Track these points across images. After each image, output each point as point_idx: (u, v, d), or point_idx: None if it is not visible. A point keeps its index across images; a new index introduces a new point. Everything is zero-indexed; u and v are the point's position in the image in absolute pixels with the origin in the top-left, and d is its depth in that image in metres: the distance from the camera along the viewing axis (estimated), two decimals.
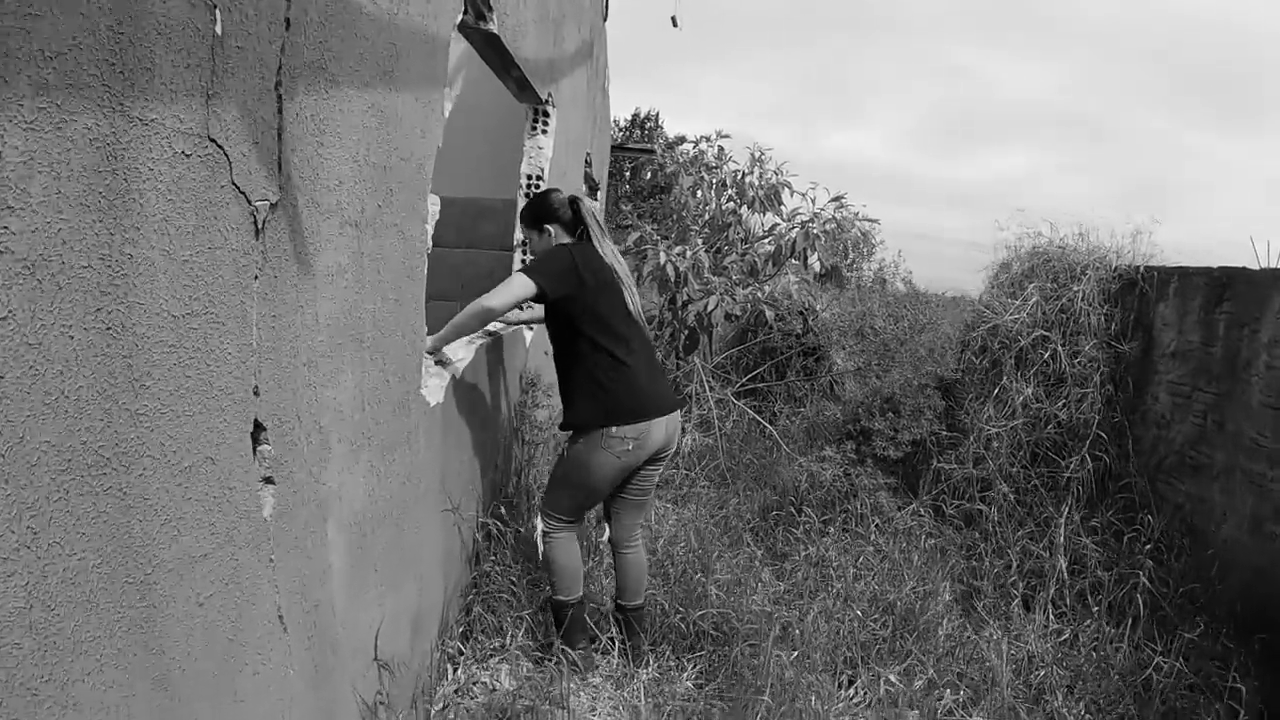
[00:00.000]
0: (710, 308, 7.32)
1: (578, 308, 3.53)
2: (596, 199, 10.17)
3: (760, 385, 7.03)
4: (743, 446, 6.57)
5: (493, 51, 3.81)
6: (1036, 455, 5.57)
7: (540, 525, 3.79)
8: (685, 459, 6.40)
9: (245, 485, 1.89)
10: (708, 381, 6.90)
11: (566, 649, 3.64)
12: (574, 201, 3.78)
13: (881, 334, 6.11)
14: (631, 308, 3.70)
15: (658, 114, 50.19)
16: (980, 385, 5.88)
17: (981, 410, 5.66)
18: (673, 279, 7.56)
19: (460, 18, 3.00)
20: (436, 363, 3.45)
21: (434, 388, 3.28)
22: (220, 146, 1.66)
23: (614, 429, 3.54)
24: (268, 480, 2.00)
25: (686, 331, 8.09)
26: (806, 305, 7.64)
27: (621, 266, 3.73)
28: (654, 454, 3.72)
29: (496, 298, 3.42)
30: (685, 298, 7.78)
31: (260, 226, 1.83)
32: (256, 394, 1.90)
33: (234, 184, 1.71)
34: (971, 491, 5.49)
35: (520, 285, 3.44)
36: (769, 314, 7.36)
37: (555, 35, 5.01)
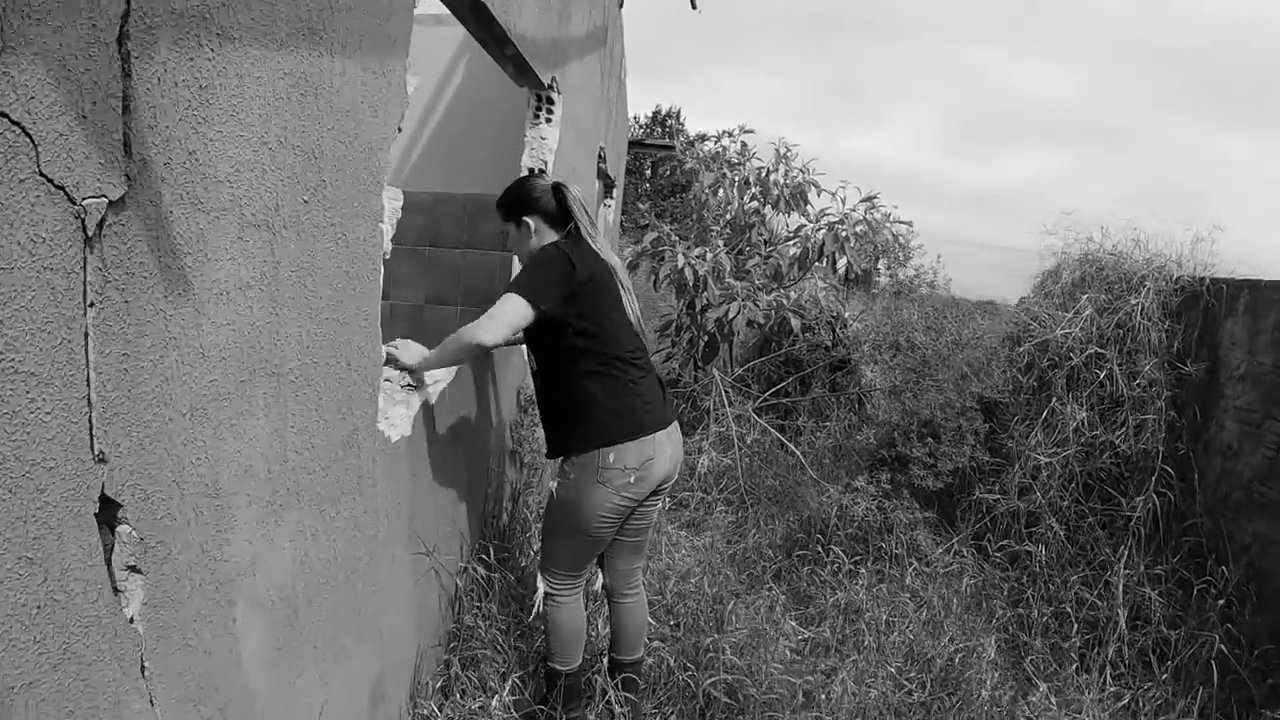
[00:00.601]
0: (732, 315, 6.78)
1: (573, 316, 2.97)
2: (612, 195, 9.65)
3: (784, 401, 6.46)
4: (764, 465, 5.99)
5: (480, 23, 3.28)
6: (1089, 488, 4.98)
7: (542, 586, 3.24)
8: (702, 480, 5.85)
9: (90, 584, 1.38)
10: (727, 395, 6.33)
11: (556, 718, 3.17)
12: (558, 188, 3.19)
13: (921, 349, 5.52)
14: (632, 315, 3.17)
15: (679, 111, 49.97)
16: (1026, 406, 5.29)
17: (1028, 435, 5.08)
18: (691, 283, 7.03)
19: None
20: (407, 385, 2.93)
21: (398, 418, 2.76)
22: (16, 123, 1.14)
23: (611, 456, 2.98)
24: (133, 569, 1.49)
25: (705, 338, 7.57)
26: (835, 313, 7.08)
27: (620, 266, 3.20)
28: (657, 486, 3.16)
29: (489, 330, 2.85)
30: (704, 303, 7.26)
31: (93, 233, 1.30)
32: (102, 461, 1.38)
33: (42, 174, 1.19)
34: (1017, 527, 4.92)
35: (515, 311, 2.87)
36: (795, 323, 6.82)
37: (561, 13, 4.46)
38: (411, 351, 2.99)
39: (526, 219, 3.18)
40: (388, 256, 2.47)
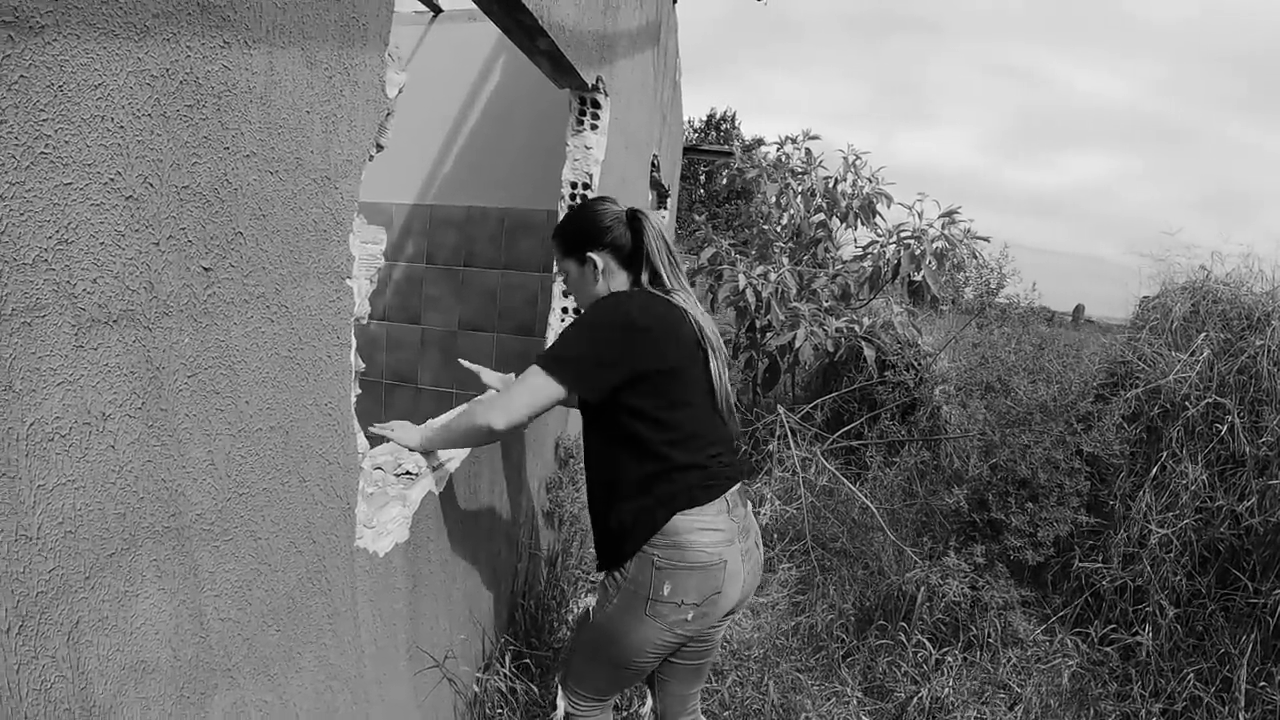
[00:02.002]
0: (797, 342, 6.07)
1: (638, 397, 2.19)
2: (666, 205, 8.96)
3: (857, 444, 5.72)
4: (832, 515, 5.24)
5: (504, 9, 2.59)
6: (1206, 561, 4.17)
7: (563, 705, 2.51)
8: (763, 533, 5.14)
9: None
10: (793, 435, 5.61)
11: None
12: (635, 218, 2.40)
13: (1024, 402, 4.73)
14: (719, 392, 2.34)
15: (734, 114, 49.18)
16: (1132, 460, 4.48)
17: (1135, 495, 4.29)
18: (754, 305, 6.34)
19: None
20: (404, 475, 2.27)
21: (390, 523, 2.09)
22: None
23: (666, 588, 2.18)
24: None
25: (766, 362, 6.87)
26: (911, 341, 6.33)
27: (710, 327, 2.35)
28: (726, 614, 2.36)
29: (505, 413, 2.15)
30: (766, 323, 6.57)
31: None
32: None
33: None
34: (1121, 605, 4.13)
35: (541, 390, 2.15)
36: (869, 354, 6.07)
37: (606, 4, 3.77)
38: (408, 434, 2.35)
39: (592, 255, 2.38)
40: (364, 321, 1.80)
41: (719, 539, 2.22)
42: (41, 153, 0.97)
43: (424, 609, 2.38)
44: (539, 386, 2.13)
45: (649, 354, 2.16)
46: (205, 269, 1.26)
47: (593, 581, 4.10)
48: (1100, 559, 4.26)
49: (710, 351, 2.32)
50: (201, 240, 1.25)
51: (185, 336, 1.24)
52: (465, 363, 3.03)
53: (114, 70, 1.05)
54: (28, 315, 0.98)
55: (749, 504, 2.47)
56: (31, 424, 1.01)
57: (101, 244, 1.07)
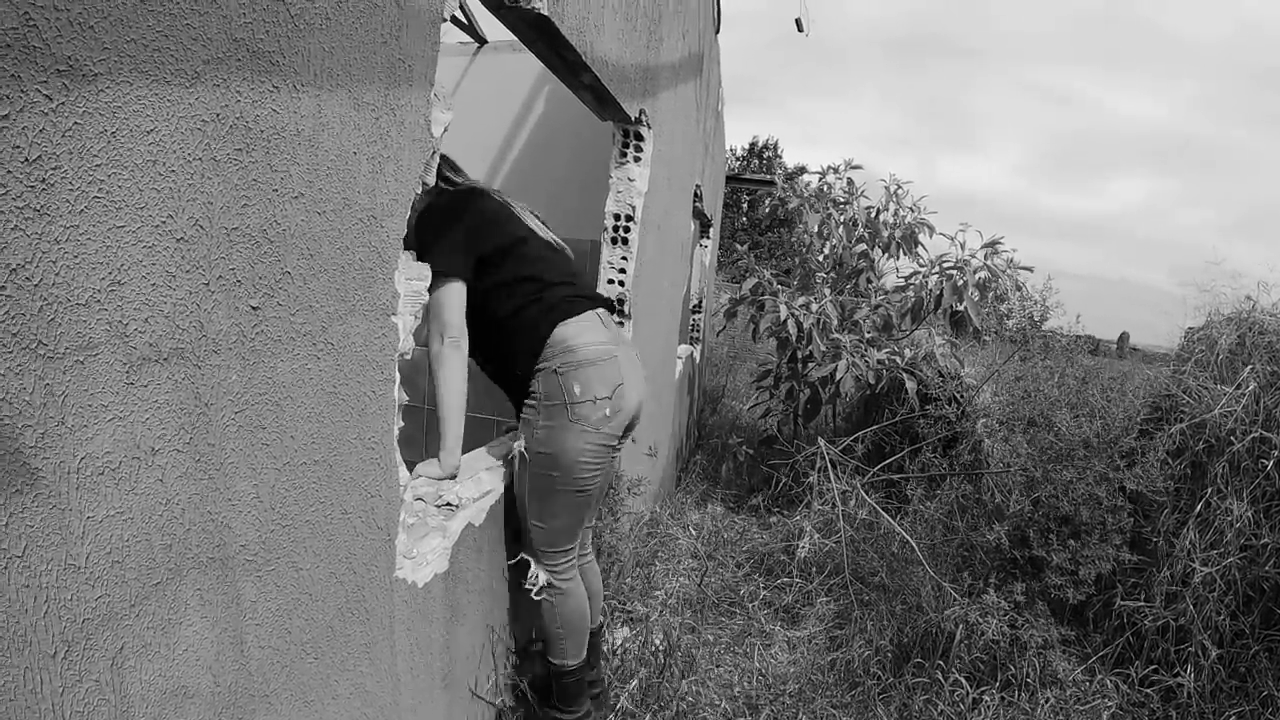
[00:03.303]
0: (839, 374, 6.04)
1: (493, 265, 2.57)
2: (709, 235, 8.98)
3: (898, 478, 5.66)
4: (870, 549, 5.18)
5: (548, 46, 2.62)
6: (1251, 601, 4.08)
7: (543, 576, 2.69)
8: (802, 567, 5.10)
9: None
10: (834, 467, 5.57)
11: None
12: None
13: (1067, 438, 4.66)
14: (543, 237, 2.81)
15: (776, 142, 49.31)
16: (1176, 496, 4.39)
17: (1178, 532, 4.21)
18: (795, 336, 6.32)
19: None
20: (444, 506, 2.29)
21: (431, 554, 2.11)
22: None
23: (576, 388, 2.53)
24: None
25: (807, 393, 6.84)
26: (953, 373, 6.27)
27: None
28: (630, 420, 2.73)
29: (439, 334, 2.43)
30: (807, 353, 6.55)
31: None
32: None
33: None
34: (1164, 646, 4.05)
35: (448, 292, 2.43)
36: (911, 387, 6.03)
37: (650, 35, 3.80)
38: (432, 468, 2.48)
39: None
40: (407, 356, 1.82)
41: (603, 338, 2.63)
42: (95, 197, 1.00)
43: (460, 639, 2.39)
44: (445, 292, 2.40)
45: (486, 234, 2.54)
46: (254, 308, 1.29)
47: (628, 611, 4.10)
48: (1142, 597, 4.19)
49: (515, 208, 2.76)
50: (250, 280, 1.28)
51: (233, 373, 1.27)
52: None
53: (166, 116, 1.08)
54: (81, 354, 1.01)
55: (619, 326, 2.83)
56: (83, 458, 1.04)
57: (153, 285, 1.10)
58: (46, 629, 1.01)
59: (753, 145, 50.10)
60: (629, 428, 2.73)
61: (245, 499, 1.34)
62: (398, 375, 1.80)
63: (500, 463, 2.72)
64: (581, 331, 2.59)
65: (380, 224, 1.62)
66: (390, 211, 1.65)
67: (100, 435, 1.06)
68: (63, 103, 0.95)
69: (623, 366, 2.64)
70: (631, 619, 4.04)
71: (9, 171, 0.90)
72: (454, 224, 2.47)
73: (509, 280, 2.56)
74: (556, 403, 2.53)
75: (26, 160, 0.91)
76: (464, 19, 5.28)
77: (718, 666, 3.99)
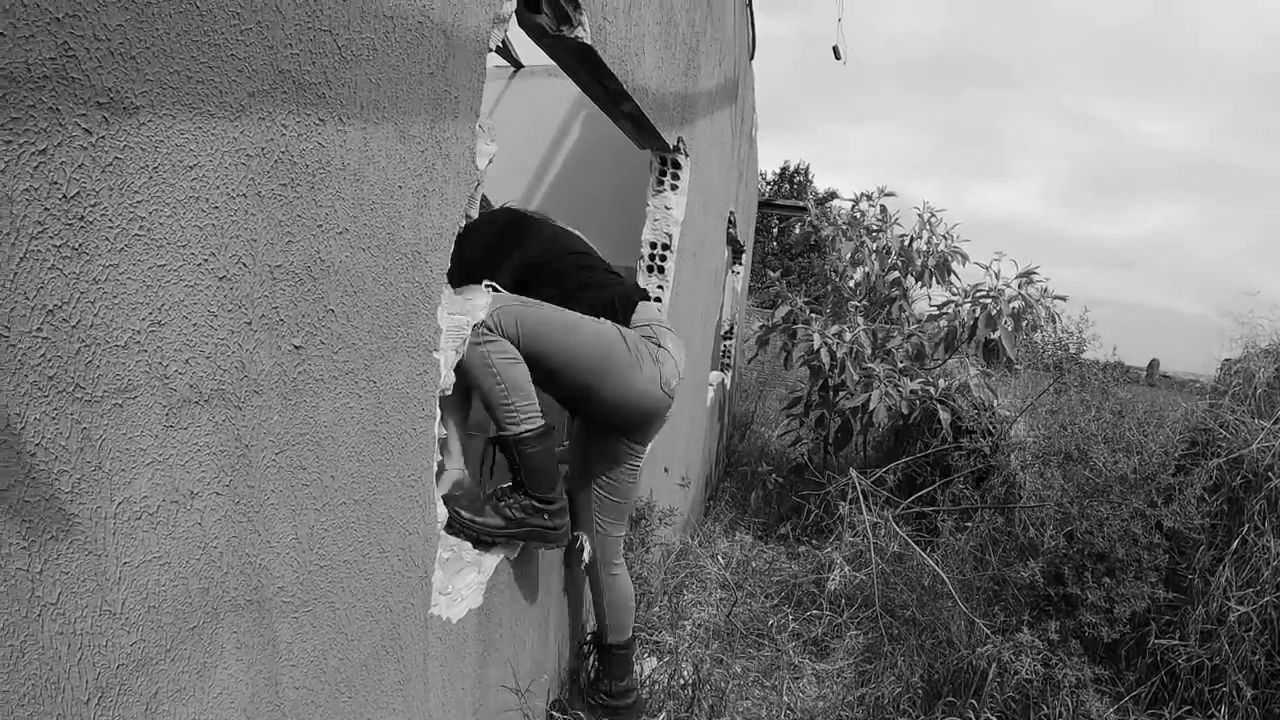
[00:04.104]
0: (872, 405, 5.98)
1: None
2: (741, 261, 8.94)
3: (930, 510, 5.57)
4: (900, 581, 5.09)
5: (590, 75, 2.60)
6: None
7: (588, 548, 2.95)
8: (831, 598, 5.02)
9: None
10: (866, 499, 5.49)
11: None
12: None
13: (1103, 474, 4.56)
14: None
15: (808, 167, 49.31)
16: (1212, 533, 4.29)
17: (1214, 569, 4.11)
18: (828, 365, 6.26)
19: (508, 5, 1.78)
20: (482, 542, 2.25)
21: (465, 589, 2.07)
22: None
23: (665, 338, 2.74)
24: None
25: (838, 421, 6.77)
26: (986, 404, 6.18)
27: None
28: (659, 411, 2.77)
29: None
30: (839, 381, 6.49)
31: None
32: None
33: None
34: (1198, 685, 3.95)
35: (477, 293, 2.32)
36: (944, 417, 5.95)
37: (688, 63, 3.78)
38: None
39: None
40: (447, 392, 1.79)
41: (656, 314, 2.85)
42: (135, 235, 0.97)
43: (491, 674, 2.35)
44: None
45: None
46: (296, 347, 1.26)
47: (656, 642, 4.04)
48: (1177, 636, 4.10)
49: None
50: (293, 318, 1.25)
51: (274, 414, 1.24)
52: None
53: (209, 150, 1.05)
54: (119, 397, 0.98)
55: None
56: (120, 503, 1.00)
57: (194, 325, 1.07)
58: (80, 675, 0.98)
59: (784, 170, 50.15)
60: (651, 419, 2.80)
61: (284, 541, 1.30)
62: (438, 411, 1.77)
63: None
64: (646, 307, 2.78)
65: (424, 259, 1.59)
66: (434, 246, 1.62)
67: (138, 480, 1.02)
68: (103, 136, 0.91)
69: (660, 335, 2.75)
70: (659, 650, 3.98)
71: (46, 209, 0.86)
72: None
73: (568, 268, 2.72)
74: (650, 342, 2.68)
75: (65, 197, 0.88)
76: (500, 43, 5.28)
77: (745, 700, 3.92)
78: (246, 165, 1.12)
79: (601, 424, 2.83)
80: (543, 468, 2.43)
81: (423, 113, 1.49)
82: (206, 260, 1.08)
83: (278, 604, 1.31)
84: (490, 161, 1.79)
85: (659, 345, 2.68)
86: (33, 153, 0.84)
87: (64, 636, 0.95)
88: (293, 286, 1.23)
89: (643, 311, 2.74)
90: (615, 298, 2.71)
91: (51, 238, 0.87)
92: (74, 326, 0.91)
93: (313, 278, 1.27)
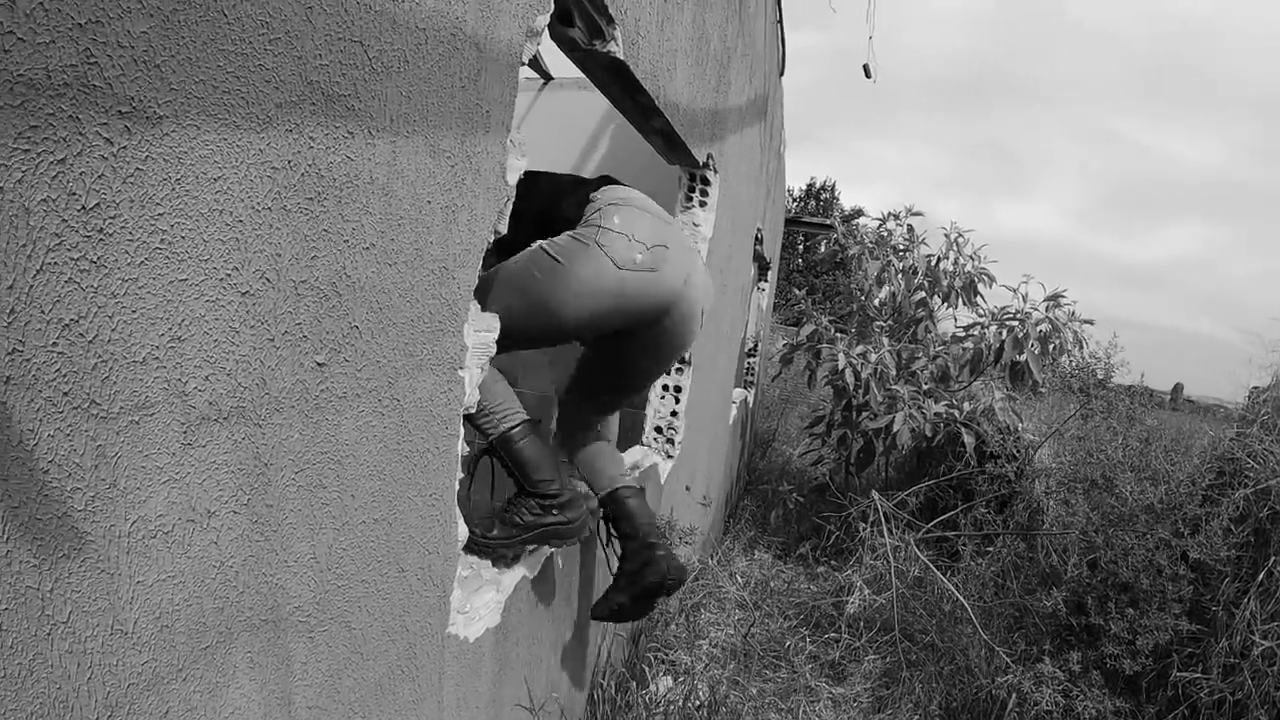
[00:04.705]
0: (895, 427, 5.92)
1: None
2: (767, 279, 8.91)
3: (952, 535, 5.50)
4: (920, 605, 5.02)
5: (622, 89, 2.58)
6: None
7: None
8: (849, 622, 4.96)
9: None
10: (887, 521, 5.43)
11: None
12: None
13: (1130, 503, 4.50)
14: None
15: (834, 184, 49.20)
16: (1237, 565, 4.21)
17: (1239, 602, 4.03)
18: (852, 385, 6.22)
19: (541, 19, 1.75)
20: (500, 559, 2.22)
21: (484, 608, 2.04)
22: None
23: (616, 218, 2.28)
24: None
25: (861, 442, 6.72)
26: (1012, 428, 6.11)
27: None
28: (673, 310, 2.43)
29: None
30: (863, 402, 6.44)
31: None
32: None
33: None
34: None
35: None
36: (968, 441, 5.89)
37: (719, 78, 3.75)
38: None
39: None
40: (471, 410, 1.76)
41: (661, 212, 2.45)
42: (156, 248, 0.95)
43: (506, 693, 2.32)
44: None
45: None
46: (319, 364, 1.24)
47: (672, 662, 4.00)
48: (1199, 669, 4.02)
49: None
50: (317, 335, 1.22)
51: (295, 432, 1.21)
52: None
53: (234, 163, 1.03)
54: (136, 414, 0.96)
55: None
56: (135, 521, 0.98)
57: (215, 341, 1.05)
58: (90, 694, 0.95)
59: (810, 186, 50.04)
60: (670, 330, 2.47)
61: (302, 560, 1.27)
62: (461, 430, 1.74)
63: None
64: (633, 195, 2.42)
65: (452, 275, 1.56)
66: (462, 262, 1.59)
67: (154, 498, 1.00)
68: (124, 146, 0.89)
69: (672, 238, 2.41)
70: (675, 669, 3.94)
71: (64, 220, 0.84)
72: None
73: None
74: (588, 226, 2.30)
75: (84, 208, 0.86)
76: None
77: None
78: (272, 178, 1.09)
79: (619, 349, 2.57)
80: (535, 459, 2.31)
81: (454, 127, 1.47)
82: (229, 275, 1.05)
83: (294, 623, 1.28)
84: (520, 178, 1.76)
85: (599, 226, 2.28)
86: (51, 162, 0.82)
87: (74, 655, 0.92)
88: (317, 302, 1.21)
89: (601, 195, 2.40)
90: (579, 201, 2.41)
91: (69, 250, 0.85)
92: (90, 341, 0.89)
93: (338, 294, 1.25)
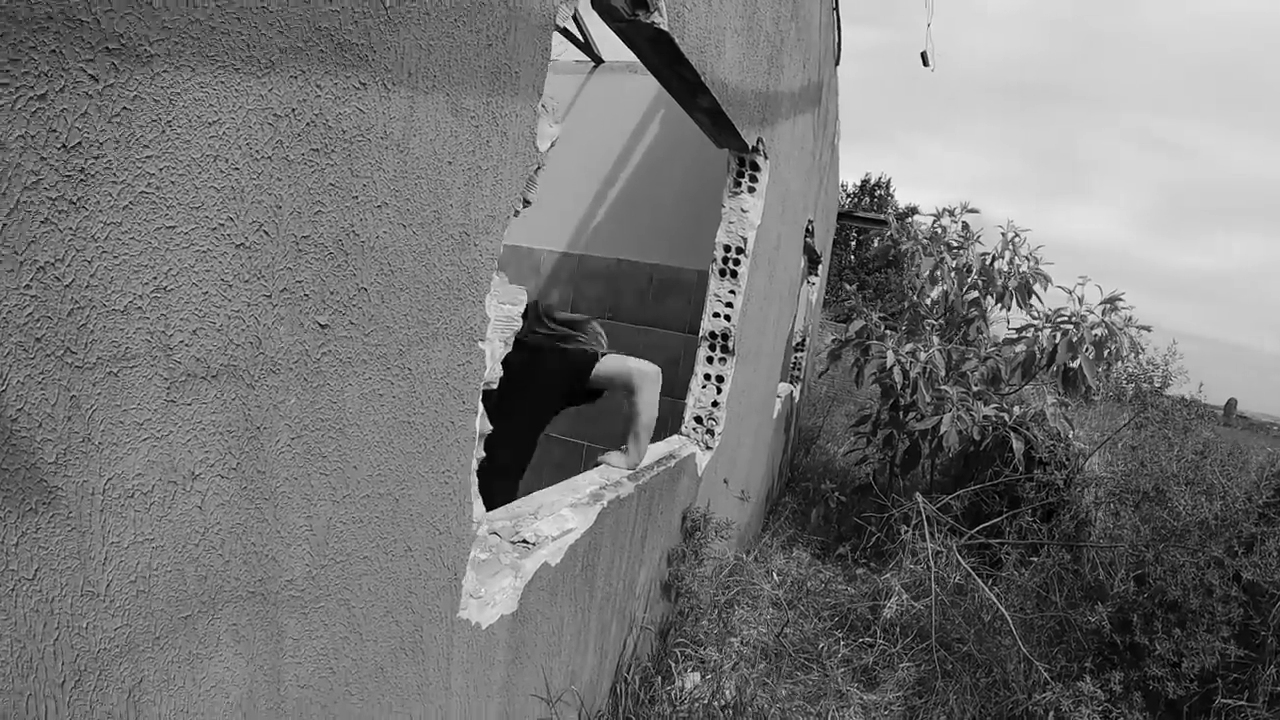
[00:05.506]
0: (942, 428, 5.79)
1: None
2: (817, 272, 8.79)
3: (996, 543, 5.36)
4: (958, 613, 4.88)
5: (664, 62, 2.50)
6: None
7: None
8: (885, 627, 4.84)
9: None
10: (930, 526, 5.31)
11: None
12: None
13: (1183, 517, 4.34)
14: None
15: (889, 181, 48.65)
16: None
17: None
18: (899, 384, 6.09)
19: None
20: (520, 543, 2.16)
21: (499, 594, 1.98)
22: None
23: None
24: None
25: (906, 443, 6.59)
26: (1062, 435, 5.95)
27: None
28: None
29: (643, 367, 2.97)
30: (910, 402, 6.31)
31: None
32: None
33: None
34: None
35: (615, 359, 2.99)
36: (1017, 446, 5.74)
37: (770, 61, 3.65)
38: (623, 457, 3.04)
39: None
40: (492, 385, 1.69)
41: None
42: (143, 192, 0.89)
43: (521, 681, 2.26)
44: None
45: None
46: (321, 325, 1.17)
47: (701, 658, 3.92)
48: (1245, 696, 3.87)
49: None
50: (320, 295, 1.16)
51: (292, 396, 1.15)
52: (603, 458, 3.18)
53: (232, 107, 0.97)
54: (115, 365, 0.90)
55: None
56: (110, 479, 0.93)
57: (205, 294, 0.99)
58: (56, 656, 0.91)
59: (864, 183, 49.56)
60: None
61: (296, 531, 1.22)
62: (480, 406, 1.67)
63: (587, 499, 2.59)
64: None
65: (473, 241, 1.49)
66: (485, 229, 1.53)
67: (133, 455, 0.95)
68: (110, 85, 0.84)
69: None
70: (704, 666, 3.86)
71: (43, 158, 0.79)
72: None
73: None
74: None
75: (64, 146, 0.80)
76: (580, 37, 5.21)
77: None
78: (274, 126, 1.03)
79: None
80: None
81: (478, 85, 1.40)
82: (222, 225, 0.99)
83: (285, 598, 1.23)
84: (552, 145, 1.69)
85: None
86: (30, 98, 0.77)
87: (40, 615, 0.88)
88: (321, 260, 1.15)
89: None
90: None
91: (47, 189, 0.80)
92: (67, 286, 0.84)
93: (344, 252, 1.19)
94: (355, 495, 1.33)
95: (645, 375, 2.90)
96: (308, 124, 1.08)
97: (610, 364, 2.90)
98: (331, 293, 1.18)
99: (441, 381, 1.50)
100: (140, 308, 0.92)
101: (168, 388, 0.97)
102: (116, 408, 0.92)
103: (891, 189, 49.10)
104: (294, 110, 1.06)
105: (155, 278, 0.93)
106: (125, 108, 0.86)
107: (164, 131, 0.90)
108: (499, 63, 1.45)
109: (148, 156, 0.89)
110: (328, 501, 1.27)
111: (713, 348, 3.97)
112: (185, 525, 1.03)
